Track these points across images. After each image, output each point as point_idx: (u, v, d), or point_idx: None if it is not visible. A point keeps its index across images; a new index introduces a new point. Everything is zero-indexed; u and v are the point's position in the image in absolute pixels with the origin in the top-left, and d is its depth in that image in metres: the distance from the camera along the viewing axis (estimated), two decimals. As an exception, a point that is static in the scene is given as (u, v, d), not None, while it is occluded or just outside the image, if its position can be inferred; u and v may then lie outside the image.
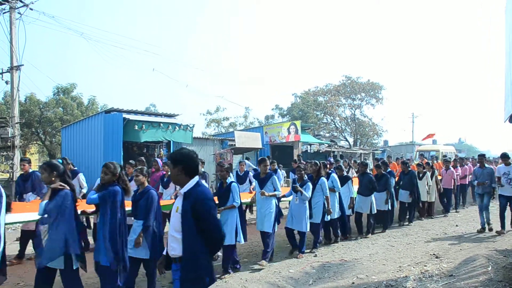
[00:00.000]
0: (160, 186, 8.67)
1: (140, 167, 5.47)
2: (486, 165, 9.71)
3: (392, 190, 10.15)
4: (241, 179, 10.48)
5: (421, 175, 11.89)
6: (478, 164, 10.22)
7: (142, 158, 9.44)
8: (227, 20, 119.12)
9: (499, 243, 8.20)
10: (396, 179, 11.39)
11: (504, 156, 9.08)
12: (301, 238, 7.50)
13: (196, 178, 3.16)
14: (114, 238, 4.36)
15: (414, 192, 10.99)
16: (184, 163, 3.15)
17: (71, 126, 17.72)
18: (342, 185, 8.77)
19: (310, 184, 7.45)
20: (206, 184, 9.06)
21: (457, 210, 13.49)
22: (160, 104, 74.99)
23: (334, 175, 8.65)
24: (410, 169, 11.64)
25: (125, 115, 14.78)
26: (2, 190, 4.17)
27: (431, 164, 13.02)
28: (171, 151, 16.95)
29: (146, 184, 5.28)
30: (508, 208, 9.03)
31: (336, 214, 8.36)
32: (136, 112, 16.46)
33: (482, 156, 10.06)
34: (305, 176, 7.62)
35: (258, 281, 5.99)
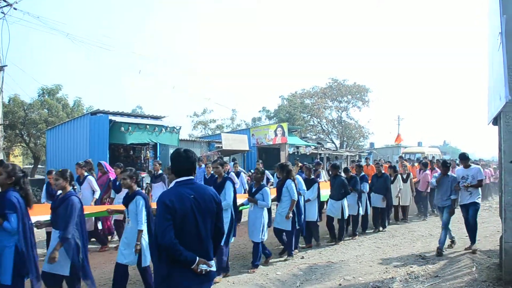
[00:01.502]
0: (112, 191, 8.46)
1: (61, 170, 4.87)
2: (450, 173, 7.95)
3: (360, 191, 9.48)
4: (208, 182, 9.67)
5: (392, 178, 11.26)
6: (459, 166, 8.92)
7: (89, 159, 9.23)
8: (214, 23, 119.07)
9: (483, 244, 8.32)
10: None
11: (463, 158, 8.01)
12: (253, 250, 6.79)
13: (180, 179, 3.13)
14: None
15: (389, 197, 10.50)
16: (171, 163, 3.22)
17: (56, 128, 17.50)
18: (308, 188, 8.28)
19: (267, 189, 6.85)
20: (164, 186, 9.02)
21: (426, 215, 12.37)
22: (146, 106, 74.42)
23: (299, 177, 8.16)
24: (383, 172, 10.91)
25: (111, 117, 14.66)
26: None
27: (396, 167, 12.33)
28: (158, 153, 16.88)
29: (69, 189, 4.69)
30: (472, 217, 7.76)
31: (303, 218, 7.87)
32: (122, 114, 16.34)
33: (446, 162, 8.29)
34: (265, 180, 7.40)
35: (245, 284, 5.98)
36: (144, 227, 4.98)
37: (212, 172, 9.51)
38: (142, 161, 17.51)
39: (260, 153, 24.03)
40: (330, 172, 9.47)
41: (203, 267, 2.96)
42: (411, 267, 6.69)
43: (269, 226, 7.08)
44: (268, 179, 11.56)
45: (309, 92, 43.91)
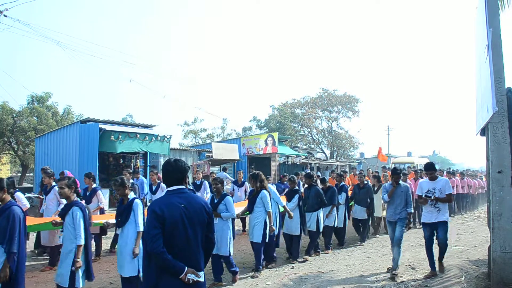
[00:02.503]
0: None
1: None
2: (401, 183, 7.15)
3: (337, 203, 9.12)
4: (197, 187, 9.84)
5: (376, 188, 10.66)
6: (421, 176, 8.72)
7: (47, 168, 8.49)
8: (205, 32, 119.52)
9: (472, 253, 8.37)
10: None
11: (429, 168, 6.84)
12: (225, 264, 6.49)
13: (170, 188, 3.15)
14: None
15: (371, 208, 10.08)
16: (162, 173, 3.27)
17: (45, 136, 17.35)
18: (290, 199, 7.99)
19: (229, 199, 6.50)
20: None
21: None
22: (137, 115, 74.20)
23: (272, 186, 7.76)
24: (366, 182, 10.46)
25: (101, 125, 14.58)
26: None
27: (379, 177, 11.62)
28: (148, 162, 16.80)
29: (9, 198, 4.34)
30: (435, 240, 6.83)
31: (276, 231, 7.50)
32: (112, 123, 16.27)
33: (396, 170, 7.44)
34: (224, 189, 6.92)
35: (235, 294, 5.94)
36: (83, 242, 4.55)
37: (158, 181, 9.66)
38: (132, 170, 17.39)
39: (250, 163, 24.04)
40: (304, 182, 8.88)
41: (191, 276, 2.96)
42: (400, 277, 6.70)
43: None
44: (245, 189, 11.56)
45: (300, 102, 44.19)
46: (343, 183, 10.02)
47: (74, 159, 14.82)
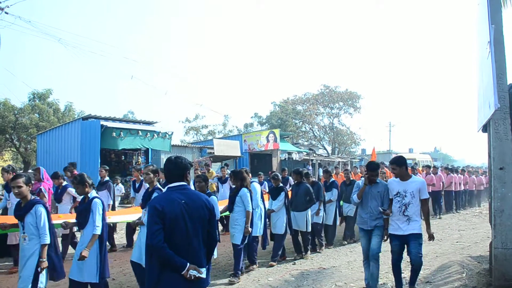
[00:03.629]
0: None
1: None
2: (379, 180, 5.64)
3: (325, 199, 8.72)
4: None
5: None
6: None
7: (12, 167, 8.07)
8: (206, 29, 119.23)
9: (473, 250, 8.38)
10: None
11: (398, 163, 5.30)
12: None
13: (172, 184, 3.19)
14: None
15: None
16: (164, 170, 3.32)
17: (47, 133, 17.40)
18: (274, 197, 7.59)
19: (214, 198, 6.27)
20: (109, 196, 8.45)
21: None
22: (138, 112, 74.18)
23: (255, 184, 7.16)
24: (352, 178, 9.95)
25: (102, 122, 14.63)
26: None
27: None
28: (149, 158, 16.83)
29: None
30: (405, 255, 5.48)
31: (258, 231, 7.01)
32: (114, 119, 16.32)
33: (372, 164, 5.77)
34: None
35: (237, 290, 5.97)
36: (49, 240, 4.30)
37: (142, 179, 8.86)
38: (134, 167, 17.45)
39: (252, 159, 24.07)
40: (293, 179, 8.41)
41: (193, 272, 2.98)
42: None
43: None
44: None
45: (301, 98, 44.19)
46: (332, 179, 9.67)
47: (76, 156, 14.86)
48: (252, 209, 6.65)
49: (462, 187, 16.03)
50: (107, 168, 8.93)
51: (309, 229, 7.93)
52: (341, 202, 9.56)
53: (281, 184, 7.83)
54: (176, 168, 3.21)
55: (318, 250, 8.44)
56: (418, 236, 5.17)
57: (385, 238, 5.47)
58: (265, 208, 7.33)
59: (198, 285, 3.08)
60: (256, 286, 6.17)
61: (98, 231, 4.56)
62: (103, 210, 4.71)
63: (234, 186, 6.95)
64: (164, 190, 3.25)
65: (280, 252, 7.53)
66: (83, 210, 4.67)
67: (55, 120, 22.10)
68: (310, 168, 25.07)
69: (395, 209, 5.24)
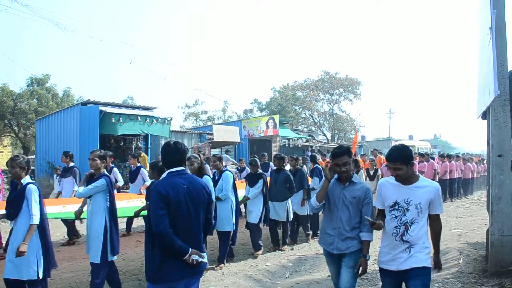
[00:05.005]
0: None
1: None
2: (357, 180, 3.75)
3: (309, 187, 8.19)
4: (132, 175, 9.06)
5: (353, 173, 9.52)
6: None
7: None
8: (206, 14, 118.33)
9: (471, 236, 8.43)
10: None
11: (401, 158, 3.25)
12: None
13: (172, 169, 3.17)
14: None
15: None
16: (162, 156, 3.30)
17: (46, 118, 17.36)
18: (252, 185, 7.12)
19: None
20: (75, 182, 8.07)
21: None
22: (137, 97, 74.02)
23: (228, 173, 6.58)
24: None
25: (102, 108, 14.57)
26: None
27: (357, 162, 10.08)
28: (149, 144, 16.83)
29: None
30: None
31: (232, 226, 6.41)
32: (113, 105, 16.26)
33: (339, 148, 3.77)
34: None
35: (235, 274, 6.02)
36: (38, 221, 4.10)
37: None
38: (133, 152, 17.47)
39: (251, 145, 24.05)
40: (274, 165, 7.84)
41: (195, 257, 3.00)
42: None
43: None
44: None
45: (301, 84, 44.01)
46: (316, 165, 9.10)
47: (75, 141, 14.86)
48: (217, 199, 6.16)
49: (456, 175, 15.40)
50: (70, 153, 8.43)
51: (290, 218, 7.55)
52: None
53: (260, 171, 7.35)
54: (175, 152, 3.20)
55: (306, 241, 8.09)
56: (424, 272, 3.21)
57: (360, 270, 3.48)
58: (237, 200, 6.63)
59: (199, 269, 3.12)
60: (254, 270, 6.21)
61: (36, 221, 4.05)
62: (40, 197, 4.22)
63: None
64: (164, 175, 3.21)
65: (261, 242, 7.17)
66: (15, 198, 4.17)
67: (54, 106, 22.01)
68: (309, 154, 25.07)
69: (388, 230, 3.34)
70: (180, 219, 3.01)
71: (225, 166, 10.82)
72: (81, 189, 4.64)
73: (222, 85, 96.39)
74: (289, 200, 7.48)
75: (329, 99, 43.62)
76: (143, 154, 13.34)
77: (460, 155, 18.24)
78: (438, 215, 3.29)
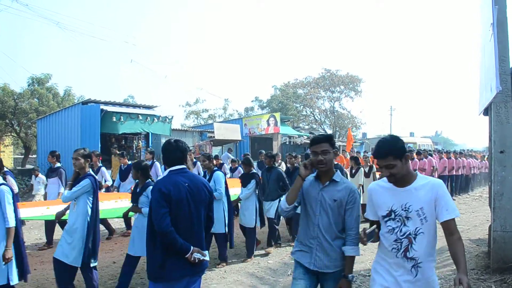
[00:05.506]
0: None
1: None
2: (340, 178, 2.95)
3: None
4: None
5: (354, 171, 9.53)
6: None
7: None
8: (207, 12, 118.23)
9: (473, 233, 8.42)
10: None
11: (392, 151, 2.53)
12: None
13: (173, 168, 3.16)
14: None
15: None
16: (162, 154, 3.28)
17: (47, 118, 17.38)
18: (245, 185, 6.90)
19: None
20: (60, 183, 7.72)
21: None
22: (138, 96, 74.02)
23: (219, 172, 6.20)
24: (336, 162, 8.79)
25: (102, 107, 14.59)
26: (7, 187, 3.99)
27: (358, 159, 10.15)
28: (150, 142, 16.84)
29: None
30: None
31: (224, 228, 6.11)
32: (114, 104, 16.27)
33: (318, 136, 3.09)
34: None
35: (237, 272, 6.02)
36: (14, 223, 3.93)
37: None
38: (134, 151, 17.49)
39: (252, 143, 24.05)
40: (265, 163, 7.51)
41: (197, 256, 3.00)
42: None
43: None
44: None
45: (302, 82, 43.94)
46: (297, 164, 8.46)
47: (76, 140, 14.87)
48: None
49: (454, 172, 14.84)
50: (57, 153, 7.98)
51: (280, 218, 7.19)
52: None
53: (253, 170, 7.09)
54: (176, 151, 3.20)
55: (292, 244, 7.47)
56: None
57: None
58: (229, 201, 6.30)
59: (200, 267, 3.12)
60: (257, 268, 6.22)
61: (12, 223, 3.86)
62: (14, 198, 4.01)
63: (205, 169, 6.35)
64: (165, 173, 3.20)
65: (254, 248, 6.85)
66: None
67: (55, 105, 22.00)
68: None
69: (386, 245, 2.63)
70: (181, 217, 3.01)
71: (222, 164, 10.65)
72: (66, 192, 4.48)
73: (223, 83, 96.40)
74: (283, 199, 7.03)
75: (330, 96, 43.54)
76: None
77: (463, 151, 18.12)
78: (450, 222, 2.46)
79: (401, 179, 2.55)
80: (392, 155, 2.49)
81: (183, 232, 2.99)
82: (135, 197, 5.16)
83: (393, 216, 2.58)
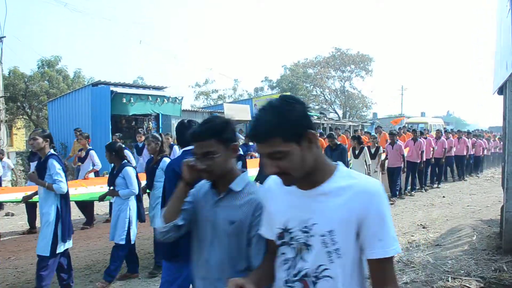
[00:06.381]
0: None
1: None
2: (241, 188, 1.84)
3: None
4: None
5: (357, 151, 8.90)
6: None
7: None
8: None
9: (484, 213, 8.37)
10: None
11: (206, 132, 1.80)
12: (112, 254, 4.85)
13: (186, 148, 3.16)
14: None
15: None
16: (176, 134, 3.35)
17: (57, 100, 17.46)
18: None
19: (129, 170, 4.82)
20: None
21: (420, 189, 11.49)
22: (148, 77, 74.01)
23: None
24: (339, 143, 8.90)
25: (112, 88, 14.58)
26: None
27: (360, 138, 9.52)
28: (160, 124, 16.88)
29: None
30: None
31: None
32: (124, 85, 16.26)
33: None
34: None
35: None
36: None
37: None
38: (145, 132, 17.54)
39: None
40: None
41: None
42: (412, 236, 6.75)
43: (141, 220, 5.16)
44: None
45: (312, 61, 43.44)
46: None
47: (87, 122, 14.94)
48: None
49: (465, 152, 14.15)
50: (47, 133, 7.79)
51: None
52: None
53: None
54: (181, 132, 3.23)
55: None
56: None
57: None
58: None
59: None
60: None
61: None
62: None
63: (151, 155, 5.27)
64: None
65: None
66: None
67: (65, 87, 22.06)
68: (321, 131, 24.94)
69: (280, 279, 1.52)
70: None
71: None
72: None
73: (233, 63, 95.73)
74: None
75: (340, 76, 43.07)
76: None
77: (471, 131, 17.72)
78: (383, 263, 1.38)
79: (305, 178, 1.43)
80: (279, 136, 1.35)
81: None
82: (111, 179, 4.90)
83: (287, 238, 1.50)
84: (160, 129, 16.55)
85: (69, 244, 4.27)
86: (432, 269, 5.06)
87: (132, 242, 4.90)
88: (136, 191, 4.82)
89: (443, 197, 10.70)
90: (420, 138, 11.37)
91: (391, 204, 9.55)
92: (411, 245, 6.22)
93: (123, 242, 4.73)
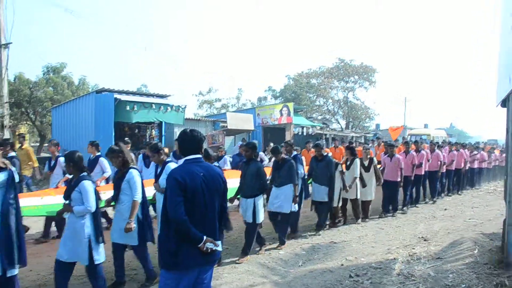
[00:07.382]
0: None
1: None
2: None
3: (298, 182, 6.85)
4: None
5: (348, 162, 8.47)
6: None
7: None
8: (220, 1, 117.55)
9: (486, 227, 8.32)
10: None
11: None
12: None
13: (190, 157, 3.19)
14: None
15: (331, 187, 7.59)
16: (178, 143, 3.33)
17: (61, 106, 17.54)
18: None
19: (86, 184, 4.22)
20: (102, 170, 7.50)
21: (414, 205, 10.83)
22: (151, 85, 74.22)
23: (171, 164, 5.46)
24: (325, 153, 8.24)
25: (116, 95, 14.65)
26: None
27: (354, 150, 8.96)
28: (163, 132, 16.93)
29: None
30: None
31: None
32: (127, 93, 16.33)
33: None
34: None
35: (248, 262, 6.04)
36: None
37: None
38: (148, 140, 17.59)
39: (265, 133, 24.00)
40: (245, 155, 6.42)
41: (210, 245, 3.04)
42: (413, 248, 6.71)
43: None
44: (262, 160, 10.12)
45: (316, 72, 43.62)
46: (294, 152, 7.72)
47: (90, 129, 14.98)
48: None
49: (453, 166, 13.07)
50: (24, 136, 7.33)
51: (258, 221, 6.13)
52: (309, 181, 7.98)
53: (285, 157, 6.82)
54: (192, 141, 3.23)
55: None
56: None
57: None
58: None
59: (213, 257, 3.16)
60: (268, 259, 6.24)
61: None
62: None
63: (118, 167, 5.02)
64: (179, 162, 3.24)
65: (250, 246, 6.25)
66: None
67: (69, 94, 22.17)
68: (324, 142, 24.98)
69: None
70: (196, 207, 3.04)
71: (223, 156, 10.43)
72: None
73: (237, 72, 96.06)
74: (260, 200, 6.14)
75: (343, 86, 43.18)
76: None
77: (472, 144, 17.30)
78: None
79: None
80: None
81: (197, 222, 3.03)
82: (67, 192, 4.31)
83: None
84: (163, 137, 16.59)
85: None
86: (433, 282, 5.03)
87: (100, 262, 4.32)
88: (92, 208, 4.19)
89: (445, 209, 10.65)
90: (412, 151, 10.61)
91: (392, 216, 9.49)
92: (412, 257, 6.18)
93: (86, 263, 4.22)
